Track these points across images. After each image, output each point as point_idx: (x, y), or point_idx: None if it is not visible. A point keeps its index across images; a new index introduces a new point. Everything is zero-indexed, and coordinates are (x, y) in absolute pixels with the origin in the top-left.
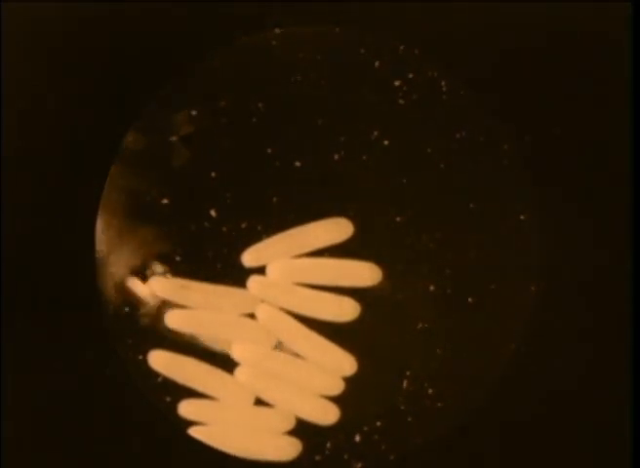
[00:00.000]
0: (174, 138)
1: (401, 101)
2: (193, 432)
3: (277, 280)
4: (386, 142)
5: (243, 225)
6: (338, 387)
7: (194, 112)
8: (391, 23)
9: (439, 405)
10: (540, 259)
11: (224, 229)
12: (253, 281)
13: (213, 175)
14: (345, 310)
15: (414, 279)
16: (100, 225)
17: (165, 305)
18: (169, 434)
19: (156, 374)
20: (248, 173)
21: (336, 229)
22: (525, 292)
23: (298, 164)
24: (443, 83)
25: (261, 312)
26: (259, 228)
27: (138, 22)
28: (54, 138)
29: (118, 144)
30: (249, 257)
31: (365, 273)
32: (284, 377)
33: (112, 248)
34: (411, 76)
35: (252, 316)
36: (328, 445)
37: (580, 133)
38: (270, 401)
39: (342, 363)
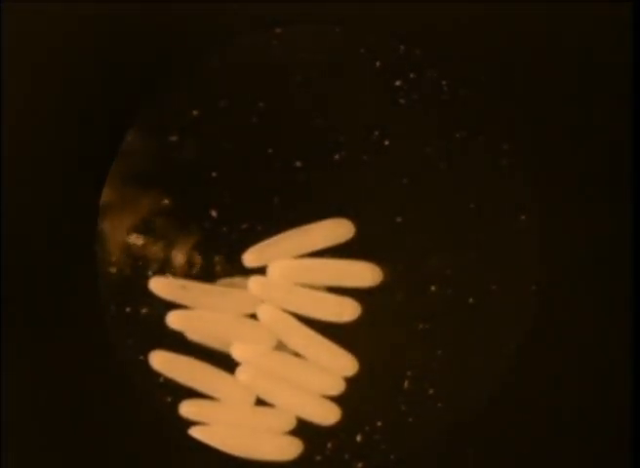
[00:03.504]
0: (174, 138)
1: (401, 101)
2: (194, 432)
3: (278, 280)
4: (387, 142)
5: (243, 226)
6: (338, 387)
7: (194, 112)
8: (392, 23)
9: (439, 405)
10: (541, 259)
11: (225, 229)
12: (253, 281)
13: (213, 175)
14: (346, 310)
15: (414, 279)
16: (99, 225)
17: (166, 306)
18: (169, 434)
19: (157, 375)
20: (248, 173)
21: (336, 230)
22: (525, 292)
23: (298, 164)
24: (443, 83)
25: (262, 312)
26: (259, 228)
27: (137, 22)
28: (53, 138)
29: (118, 144)
30: (249, 258)
31: (366, 273)
32: (285, 377)
33: (112, 248)
34: (411, 76)
35: (252, 316)
36: (328, 445)
37: (580, 133)
38: (271, 401)
39: (343, 363)
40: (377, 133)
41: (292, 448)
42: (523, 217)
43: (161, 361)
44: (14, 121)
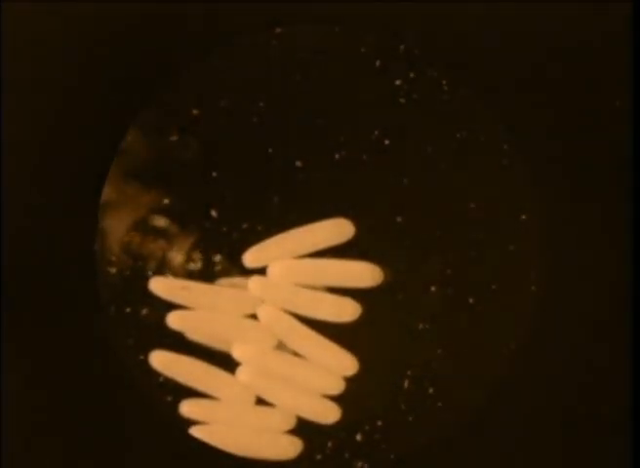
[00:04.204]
0: (174, 138)
1: (401, 101)
2: (194, 431)
3: (278, 280)
4: (387, 142)
5: (244, 226)
6: (338, 387)
7: (194, 112)
8: (391, 23)
9: (439, 404)
10: (541, 260)
11: (225, 229)
12: (253, 281)
13: (213, 174)
14: (346, 311)
15: (414, 279)
16: (99, 225)
17: (166, 306)
18: (170, 434)
19: (157, 374)
20: (248, 173)
21: (337, 230)
22: (525, 292)
23: (298, 164)
24: (443, 83)
25: (263, 312)
26: (259, 229)
27: (137, 22)
28: (53, 138)
29: (118, 144)
30: (250, 258)
31: (366, 274)
32: (285, 377)
33: (112, 248)
34: (411, 76)
35: (253, 316)
36: (329, 444)
37: (580, 132)
38: (271, 400)
39: (343, 363)
40: (377, 133)
41: (292, 448)
42: (523, 217)
43: (161, 361)
44: (14, 121)
